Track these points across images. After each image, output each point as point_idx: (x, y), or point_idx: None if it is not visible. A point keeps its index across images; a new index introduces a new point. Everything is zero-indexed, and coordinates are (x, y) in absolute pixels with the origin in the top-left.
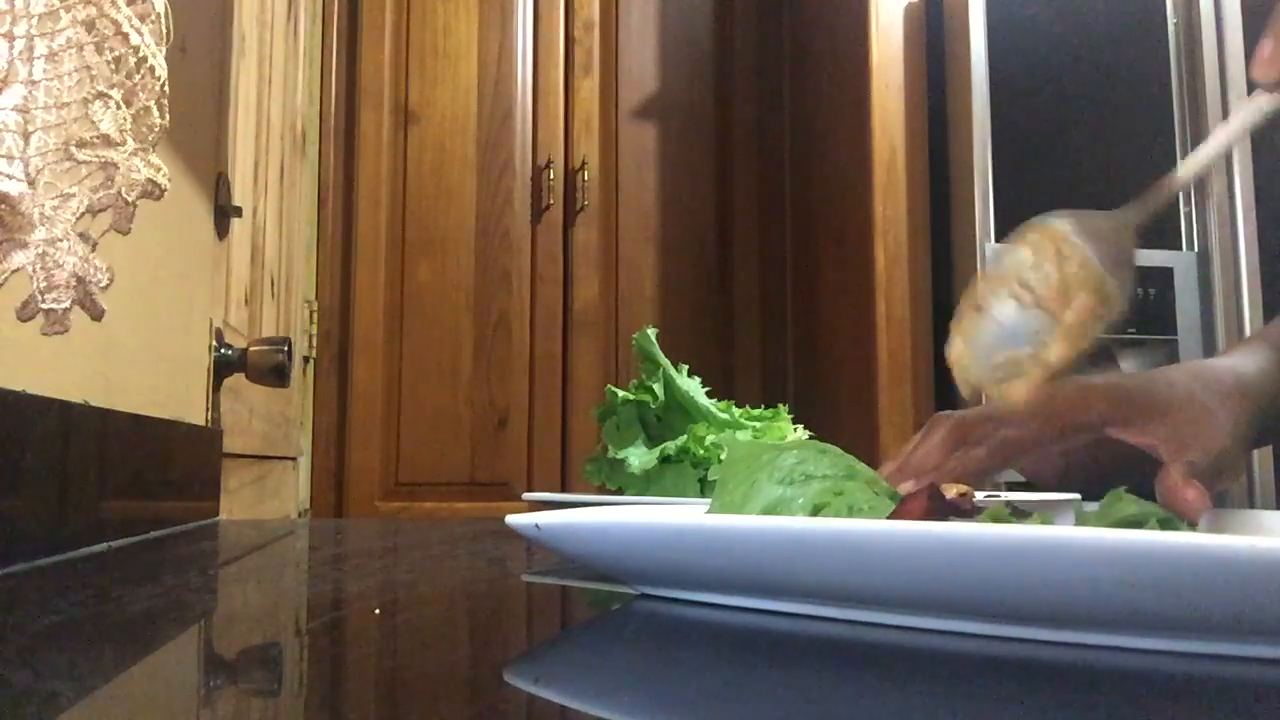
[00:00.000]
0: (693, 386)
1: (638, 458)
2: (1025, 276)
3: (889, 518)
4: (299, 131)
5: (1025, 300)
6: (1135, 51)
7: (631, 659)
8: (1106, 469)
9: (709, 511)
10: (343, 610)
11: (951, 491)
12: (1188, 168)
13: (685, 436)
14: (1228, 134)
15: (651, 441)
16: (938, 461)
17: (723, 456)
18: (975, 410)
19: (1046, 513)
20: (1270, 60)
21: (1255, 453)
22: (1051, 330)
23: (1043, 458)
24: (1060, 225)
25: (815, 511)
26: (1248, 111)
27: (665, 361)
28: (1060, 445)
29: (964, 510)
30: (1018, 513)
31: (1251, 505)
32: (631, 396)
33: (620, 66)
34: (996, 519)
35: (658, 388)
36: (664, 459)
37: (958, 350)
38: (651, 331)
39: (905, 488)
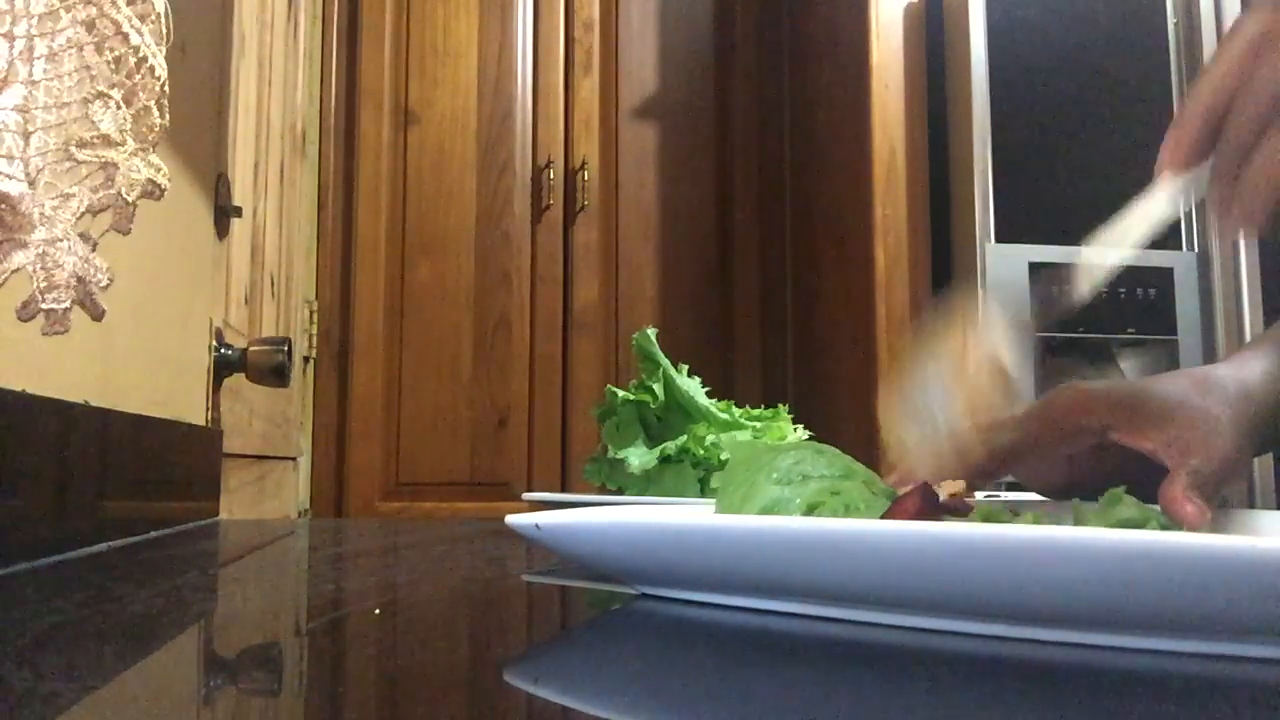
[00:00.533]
0: (693, 386)
1: (638, 458)
2: (939, 360)
3: (883, 517)
4: (299, 131)
5: (938, 379)
6: (1135, 51)
7: (631, 659)
8: (1111, 476)
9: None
10: (343, 610)
11: (946, 491)
12: (1093, 271)
13: (685, 436)
14: (1137, 234)
15: (651, 441)
16: (936, 469)
17: (723, 456)
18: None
19: (1039, 512)
20: (1174, 150)
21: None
22: (957, 405)
23: (1046, 465)
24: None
25: (810, 510)
26: (1155, 205)
27: (665, 361)
28: (1061, 449)
29: (957, 509)
30: (1013, 512)
31: (1251, 505)
32: (631, 396)
33: (620, 66)
34: (988, 518)
35: (658, 388)
36: (664, 459)
37: (884, 413)
38: (651, 332)
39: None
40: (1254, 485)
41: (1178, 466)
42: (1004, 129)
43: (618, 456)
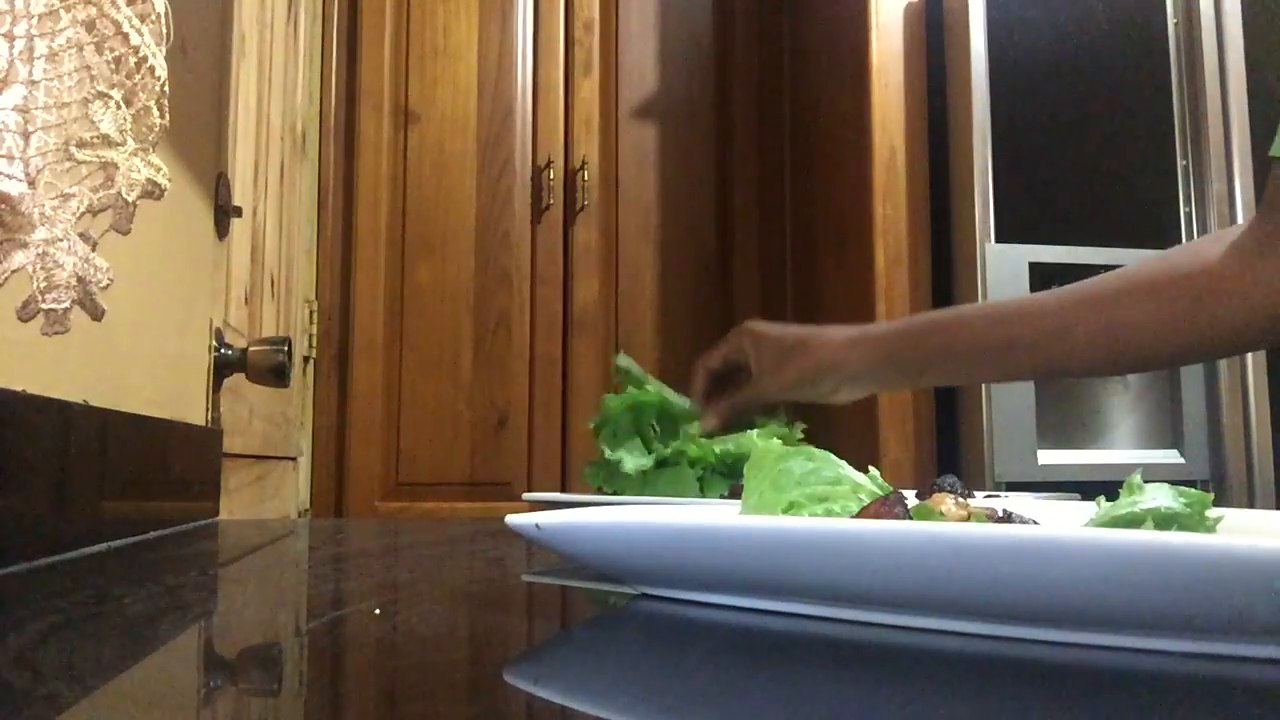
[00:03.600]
0: (683, 401)
1: (633, 461)
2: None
3: (854, 517)
4: (299, 131)
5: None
6: (1135, 51)
7: (631, 659)
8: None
9: None
10: (343, 610)
11: (949, 503)
12: None
13: (681, 439)
14: None
15: (648, 444)
16: (703, 393)
17: (719, 448)
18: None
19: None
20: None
21: (1255, 452)
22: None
23: (731, 384)
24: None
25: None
26: None
27: (652, 382)
28: (731, 364)
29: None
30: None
31: (1251, 505)
32: (628, 401)
33: (620, 66)
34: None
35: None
36: (660, 462)
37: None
38: (623, 360)
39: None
40: (1254, 485)
41: (744, 383)
42: (1004, 129)
43: (613, 459)
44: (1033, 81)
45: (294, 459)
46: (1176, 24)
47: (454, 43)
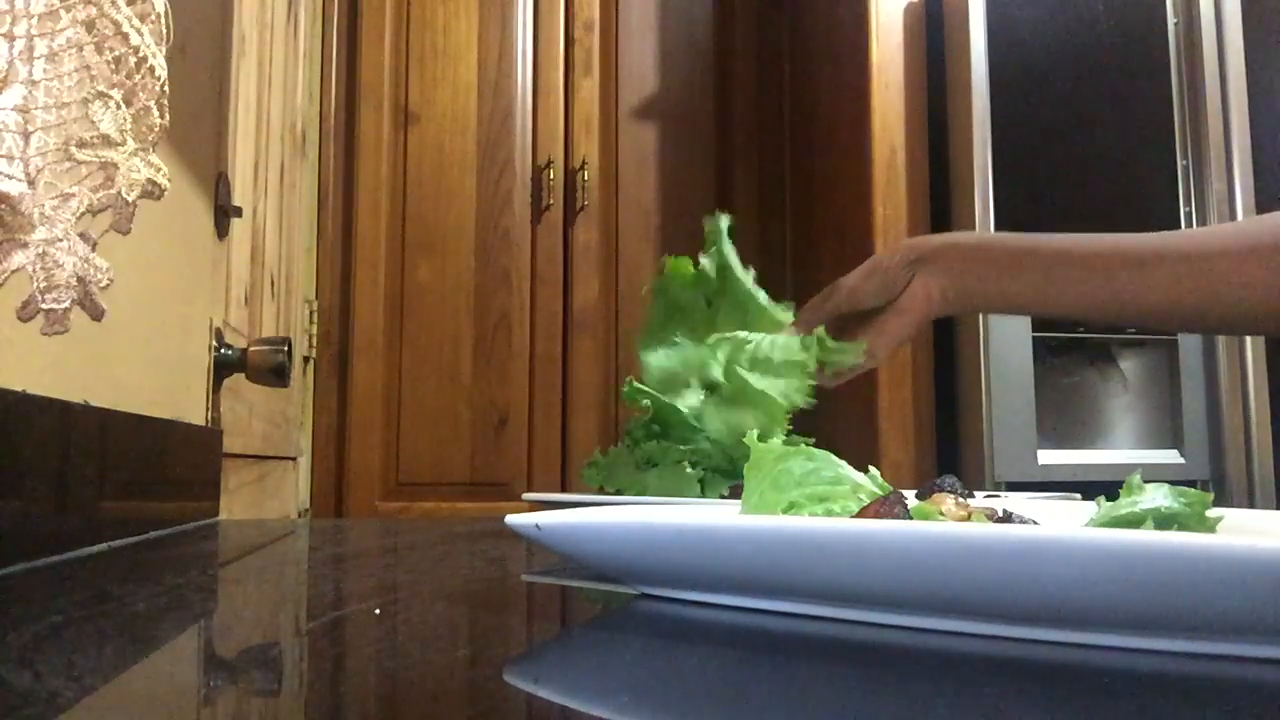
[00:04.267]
0: (750, 281)
1: (657, 361)
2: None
3: (854, 517)
4: (299, 131)
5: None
6: (1135, 51)
7: (631, 659)
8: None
9: None
10: (343, 610)
11: (949, 503)
12: None
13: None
14: None
15: (695, 333)
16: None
17: (709, 431)
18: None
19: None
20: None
21: (1255, 452)
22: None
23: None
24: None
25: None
26: None
27: (730, 251)
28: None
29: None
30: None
31: (1251, 505)
32: (693, 270)
33: (620, 66)
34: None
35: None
36: (653, 463)
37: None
38: (723, 220)
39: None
40: (1254, 485)
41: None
42: (1004, 129)
43: (643, 355)
44: (1033, 81)
45: (294, 459)
46: (1176, 24)
47: (454, 43)
